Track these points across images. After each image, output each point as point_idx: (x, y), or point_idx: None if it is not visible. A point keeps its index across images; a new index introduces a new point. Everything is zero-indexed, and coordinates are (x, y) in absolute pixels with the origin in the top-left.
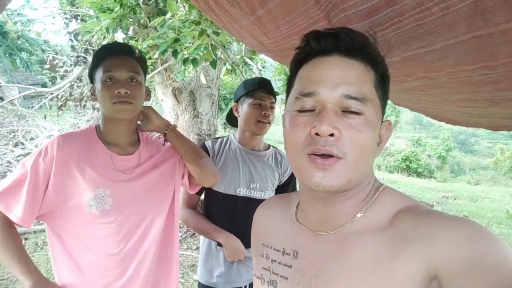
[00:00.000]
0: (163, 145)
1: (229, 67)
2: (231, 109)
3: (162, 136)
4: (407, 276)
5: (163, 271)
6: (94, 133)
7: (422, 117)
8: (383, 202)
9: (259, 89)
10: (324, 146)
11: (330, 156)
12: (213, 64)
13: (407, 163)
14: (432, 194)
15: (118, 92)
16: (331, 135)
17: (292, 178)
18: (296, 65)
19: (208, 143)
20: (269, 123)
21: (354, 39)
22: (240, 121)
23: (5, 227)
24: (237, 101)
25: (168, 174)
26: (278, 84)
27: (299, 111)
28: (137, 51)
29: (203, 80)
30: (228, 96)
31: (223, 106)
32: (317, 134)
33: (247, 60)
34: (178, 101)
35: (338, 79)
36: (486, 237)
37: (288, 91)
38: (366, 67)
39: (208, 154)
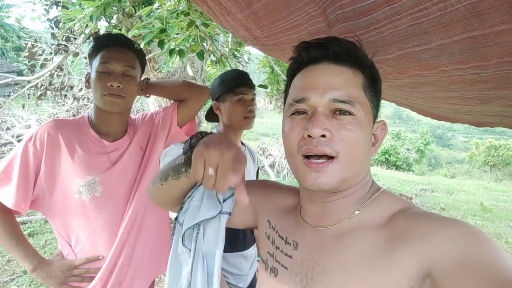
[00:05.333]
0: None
1: (214, 59)
2: (210, 107)
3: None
4: (401, 272)
5: (159, 246)
6: (87, 121)
7: (402, 111)
8: (380, 203)
9: (239, 84)
10: (316, 147)
11: (324, 156)
12: (201, 55)
13: (387, 156)
14: (410, 186)
15: (111, 85)
16: (323, 136)
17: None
18: (290, 74)
19: None
20: (253, 117)
21: (341, 46)
22: (224, 119)
23: (1, 214)
24: (216, 98)
25: (153, 150)
26: (262, 76)
27: (293, 115)
28: (136, 45)
29: (190, 72)
30: None
31: None
32: (309, 136)
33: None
34: None
35: (326, 85)
36: (478, 237)
37: (284, 99)
38: (355, 72)
39: None
